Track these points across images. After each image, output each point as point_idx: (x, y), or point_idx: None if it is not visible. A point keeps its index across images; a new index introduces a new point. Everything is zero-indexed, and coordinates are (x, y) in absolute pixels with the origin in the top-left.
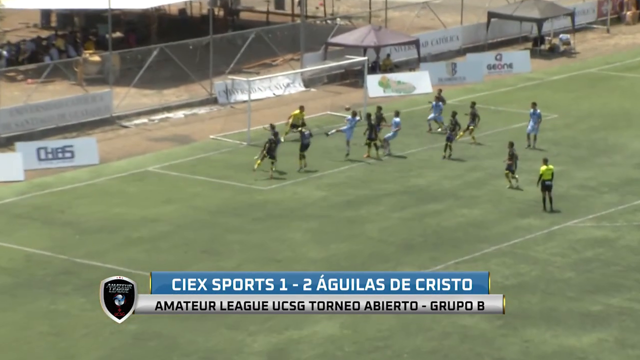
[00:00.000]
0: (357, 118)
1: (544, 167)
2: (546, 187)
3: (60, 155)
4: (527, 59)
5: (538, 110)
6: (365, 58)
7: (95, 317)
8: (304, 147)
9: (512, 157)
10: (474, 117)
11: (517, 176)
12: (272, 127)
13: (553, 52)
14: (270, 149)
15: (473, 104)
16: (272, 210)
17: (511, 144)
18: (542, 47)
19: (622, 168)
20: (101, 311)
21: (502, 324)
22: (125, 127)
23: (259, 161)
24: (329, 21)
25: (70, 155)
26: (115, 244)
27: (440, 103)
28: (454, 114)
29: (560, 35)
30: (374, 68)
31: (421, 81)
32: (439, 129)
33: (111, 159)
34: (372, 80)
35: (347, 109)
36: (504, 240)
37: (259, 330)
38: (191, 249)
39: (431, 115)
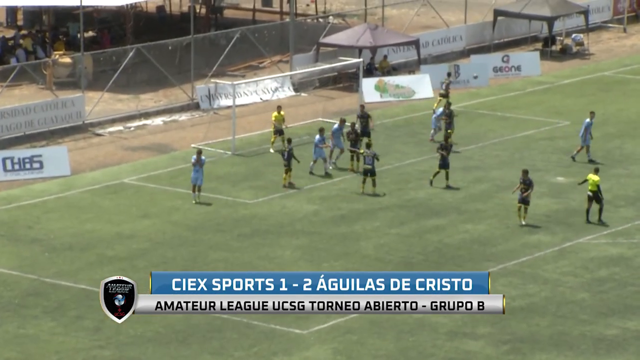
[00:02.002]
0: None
1: (590, 175)
2: (590, 198)
3: (28, 165)
4: (536, 60)
5: (587, 119)
6: (361, 60)
7: (66, 342)
8: (366, 172)
9: (528, 186)
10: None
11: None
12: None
13: (565, 54)
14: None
15: (449, 103)
16: (258, 226)
17: (526, 172)
18: (553, 48)
19: (639, 180)
20: (72, 336)
21: (509, 349)
22: (99, 135)
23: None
24: (320, 19)
25: (38, 165)
26: (87, 263)
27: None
28: (446, 138)
29: (573, 35)
30: (370, 70)
31: (421, 85)
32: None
33: (83, 169)
34: (368, 84)
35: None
36: (511, 259)
37: (244, 356)
38: (170, 267)
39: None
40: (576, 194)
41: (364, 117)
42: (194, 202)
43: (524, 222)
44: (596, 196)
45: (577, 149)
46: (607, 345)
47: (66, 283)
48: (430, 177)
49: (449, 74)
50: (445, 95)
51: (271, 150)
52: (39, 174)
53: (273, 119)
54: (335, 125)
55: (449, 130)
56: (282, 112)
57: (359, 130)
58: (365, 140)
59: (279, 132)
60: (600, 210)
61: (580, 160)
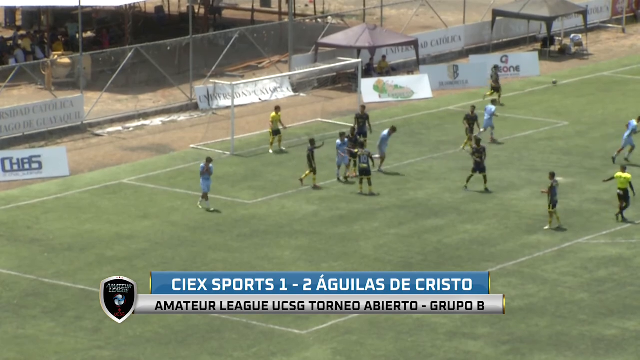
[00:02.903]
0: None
1: (618, 173)
2: (620, 197)
3: (27, 166)
4: (535, 61)
5: (633, 121)
6: (359, 60)
7: (65, 342)
8: (362, 171)
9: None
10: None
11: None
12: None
13: (564, 54)
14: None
15: (473, 108)
16: (258, 226)
17: (552, 175)
18: (552, 48)
19: (638, 180)
20: (72, 336)
21: (508, 349)
22: (98, 135)
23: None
24: (319, 20)
25: (37, 166)
26: (86, 263)
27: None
28: (478, 141)
29: (572, 36)
30: (369, 71)
31: (420, 85)
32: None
33: (82, 170)
34: (367, 84)
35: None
36: (511, 259)
37: (244, 356)
38: (170, 268)
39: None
40: (575, 194)
41: (363, 117)
42: (200, 207)
43: (547, 227)
44: (626, 194)
45: (617, 149)
46: (606, 345)
47: (65, 283)
48: (465, 183)
49: (496, 66)
50: (497, 88)
51: (270, 151)
52: (38, 175)
53: (270, 119)
54: (338, 141)
55: (474, 134)
56: (279, 113)
57: (355, 130)
58: (361, 139)
59: (276, 132)
60: (625, 208)
61: (575, 163)
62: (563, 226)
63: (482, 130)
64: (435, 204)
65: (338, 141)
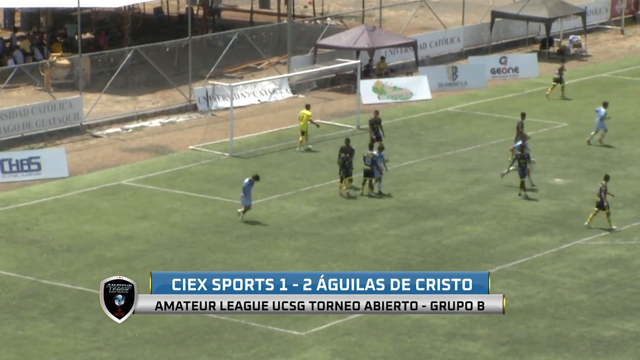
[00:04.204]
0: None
1: None
2: None
3: (26, 167)
4: (534, 62)
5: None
6: (358, 61)
7: (64, 343)
8: (365, 173)
9: (605, 192)
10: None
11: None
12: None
13: (562, 55)
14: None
15: (523, 115)
16: (257, 227)
17: (607, 178)
18: (551, 49)
19: (637, 181)
20: (71, 337)
21: (507, 350)
22: (97, 136)
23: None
24: (318, 21)
25: (36, 167)
26: (86, 264)
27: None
28: (523, 147)
29: (571, 37)
30: (368, 72)
31: (419, 86)
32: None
33: (81, 171)
34: (366, 86)
35: None
36: (510, 260)
37: (243, 357)
38: (169, 269)
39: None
40: (574, 195)
41: (378, 122)
42: (240, 219)
43: (592, 226)
44: None
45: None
46: (605, 346)
47: (64, 284)
48: (519, 190)
49: (563, 60)
50: (560, 79)
51: (310, 147)
52: (37, 176)
53: (308, 118)
54: (375, 152)
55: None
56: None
57: (373, 137)
58: (377, 144)
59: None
60: None
61: (574, 164)
62: (563, 227)
63: (592, 133)
64: (435, 205)
65: (375, 152)
